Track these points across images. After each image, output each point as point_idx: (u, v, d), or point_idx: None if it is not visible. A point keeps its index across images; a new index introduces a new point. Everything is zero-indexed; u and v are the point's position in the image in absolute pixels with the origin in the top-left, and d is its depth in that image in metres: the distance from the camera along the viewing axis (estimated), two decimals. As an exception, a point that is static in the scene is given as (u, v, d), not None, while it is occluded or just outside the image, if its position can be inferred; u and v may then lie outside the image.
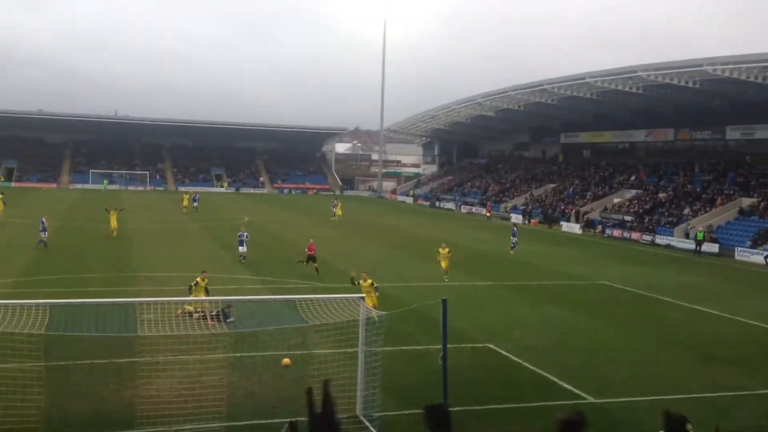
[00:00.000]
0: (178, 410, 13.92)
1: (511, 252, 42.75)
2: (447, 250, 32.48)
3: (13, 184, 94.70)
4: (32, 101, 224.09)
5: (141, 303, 15.53)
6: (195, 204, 65.49)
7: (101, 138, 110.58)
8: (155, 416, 13.46)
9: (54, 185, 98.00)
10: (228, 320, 21.11)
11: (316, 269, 31.67)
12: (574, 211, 67.11)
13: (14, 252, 36.15)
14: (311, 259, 32.48)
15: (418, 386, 16.81)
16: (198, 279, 23.13)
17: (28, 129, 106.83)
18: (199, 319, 20.17)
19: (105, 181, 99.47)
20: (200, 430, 13.14)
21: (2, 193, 57.25)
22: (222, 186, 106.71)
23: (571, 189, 74.15)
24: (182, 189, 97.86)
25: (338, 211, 61.38)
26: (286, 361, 17.31)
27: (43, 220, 39.16)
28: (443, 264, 31.99)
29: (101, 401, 15.05)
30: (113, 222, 42.84)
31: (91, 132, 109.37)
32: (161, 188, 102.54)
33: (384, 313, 15.78)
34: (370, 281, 24.66)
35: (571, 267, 38.65)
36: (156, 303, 15.08)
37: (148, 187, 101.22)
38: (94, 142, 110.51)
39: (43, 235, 38.03)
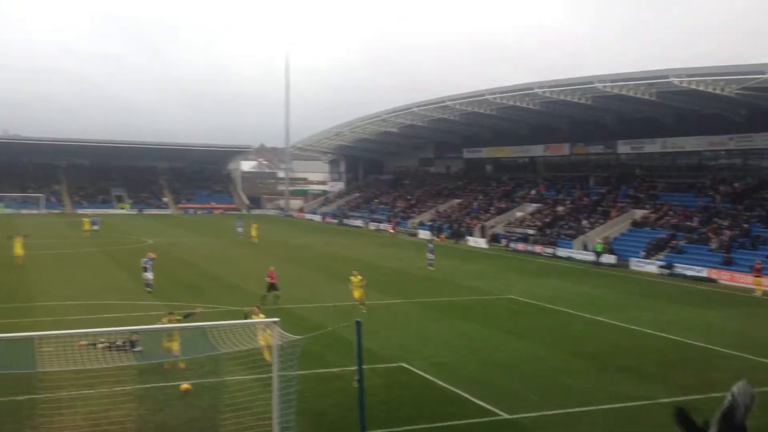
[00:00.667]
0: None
1: (430, 269, 43.35)
2: (360, 278, 29.26)
3: None
4: None
5: (40, 336, 14.84)
6: (95, 227, 63.05)
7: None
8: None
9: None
10: (135, 349, 20.43)
11: (277, 296, 29.80)
12: (479, 225, 68.73)
13: None
14: (272, 287, 30.16)
15: (334, 410, 16.78)
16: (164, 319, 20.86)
17: None
18: (105, 348, 19.42)
19: (1, 205, 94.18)
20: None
21: None
22: (123, 207, 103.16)
23: (475, 204, 75.91)
24: (81, 211, 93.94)
25: (253, 232, 60.31)
26: (185, 386, 16.93)
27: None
28: (356, 294, 29.00)
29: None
30: (18, 249, 40.32)
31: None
32: (57, 211, 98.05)
33: (298, 337, 15.65)
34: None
35: (479, 282, 39.56)
36: (54, 336, 14.45)
37: (43, 210, 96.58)
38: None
39: None
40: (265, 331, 18.72)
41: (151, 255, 33.77)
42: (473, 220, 71.51)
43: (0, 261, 41.59)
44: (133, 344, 20.62)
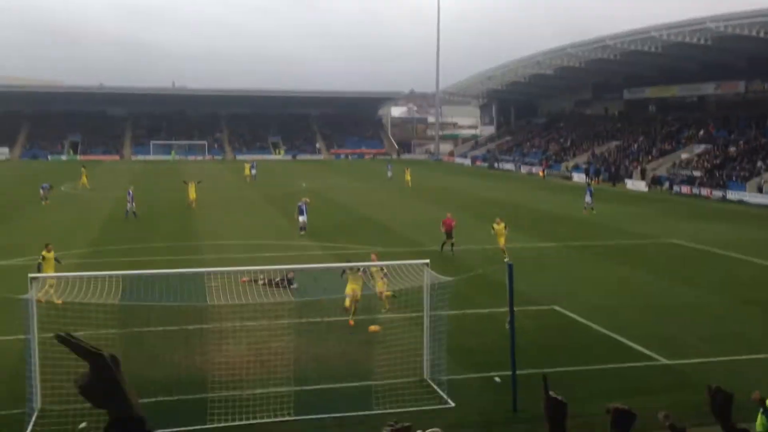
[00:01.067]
0: (248, 375, 14.17)
1: (588, 212, 41.94)
2: (503, 225, 27.90)
3: (78, 158, 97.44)
4: (94, 75, 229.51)
5: (209, 273, 15.78)
6: (253, 172, 66.16)
7: (160, 110, 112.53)
8: (227, 381, 13.72)
9: (117, 157, 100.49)
10: (292, 286, 21.32)
11: (452, 245, 28.50)
12: (639, 168, 65.32)
13: (86, 222, 37.24)
14: (449, 235, 28.57)
15: (484, 349, 16.71)
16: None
17: (90, 103, 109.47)
18: (264, 285, 20.42)
19: (173, 152, 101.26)
20: (270, 394, 13.31)
21: (84, 166, 59.24)
22: (278, 153, 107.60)
23: (635, 146, 72.10)
24: (240, 157, 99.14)
25: (407, 177, 60.56)
26: (374, 327, 17.35)
27: (130, 191, 40.06)
28: (500, 241, 27.76)
29: (175, 367, 15.42)
30: (192, 194, 43.11)
31: (151, 104, 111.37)
32: (219, 157, 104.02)
33: (449, 278, 15.59)
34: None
35: (638, 225, 37.69)
36: (222, 273, 15.31)
37: (207, 157, 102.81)
38: (154, 114, 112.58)
39: (130, 206, 38.91)
40: (382, 279, 19.04)
41: (306, 200, 34.74)
42: (632, 162, 68.02)
43: (174, 203, 44.84)
44: (290, 281, 21.54)
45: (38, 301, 15.95)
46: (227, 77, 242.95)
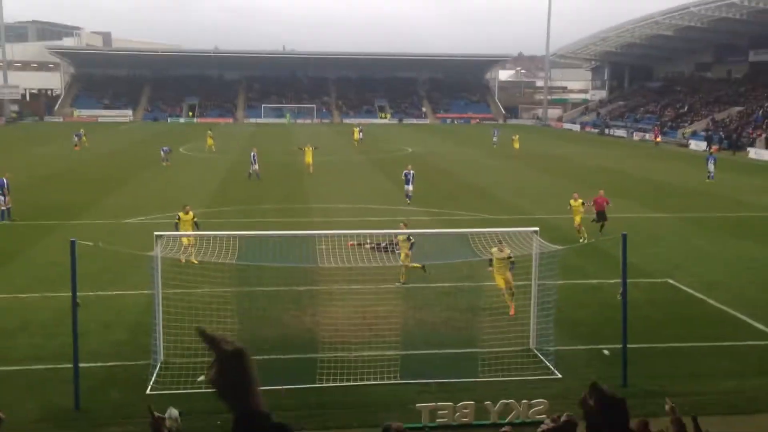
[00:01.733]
0: (356, 337, 14.53)
1: (709, 181, 40.01)
2: (580, 201, 25.52)
3: (195, 120, 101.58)
4: (210, 40, 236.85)
5: (320, 235, 16.17)
6: (360, 136, 66.72)
7: (272, 73, 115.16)
8: (335, 342, 14.13)
9: (231, 120, 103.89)
10: (397, 252, 21.53)
11: (601, 227, 25.46)
12: (764, 136, 61.34)
13: (203, 184, 38.87)
14: (601, 216, 25.55)
15: (592, 321, 16.39)
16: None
17: (206, 67, 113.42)
18: (372, 249, 20.73)
19: (287, 115, 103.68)
20: (377, 357, 13.60)
21: (210, 129, 61.62)
22: (384, 117, 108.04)
23: (760, 112, 67.64)
24: (347, 121, 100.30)
25: (515, 144, 59.46)
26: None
27: (253, 153, 41.27)
28: (576, 219, 25.14)
29: (284, 326, 16.03)
30: (308, 158, 43.71)
31: (263, 68, 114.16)
32: (327, 121, 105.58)
33: (558, 247, 15.28)
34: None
35: (760, 197, 35.55)
36: (334, 236, 15.67)
37: (315, 120, 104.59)
38: (265, 77, 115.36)
39: (253, 168, 40.22)
40: (405, 249, 18.82)
41: (411, 168, 33.98)
42: (756, 130, 63.93)
43: (286, 166, 46.06)
44: (395, 247, 21.76)
45: (179, 261, 16.89)
46: (336, 41, 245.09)
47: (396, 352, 13.76)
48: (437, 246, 19.96)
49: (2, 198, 27.76)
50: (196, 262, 17.50)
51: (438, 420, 11.46)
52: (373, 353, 13.79)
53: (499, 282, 16.50)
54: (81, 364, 12.33)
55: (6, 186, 27.92)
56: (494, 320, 14.85)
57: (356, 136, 65.05)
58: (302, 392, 12.77)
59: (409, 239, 19.04)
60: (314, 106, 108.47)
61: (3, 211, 27.76)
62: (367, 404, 12.56)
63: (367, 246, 21.18)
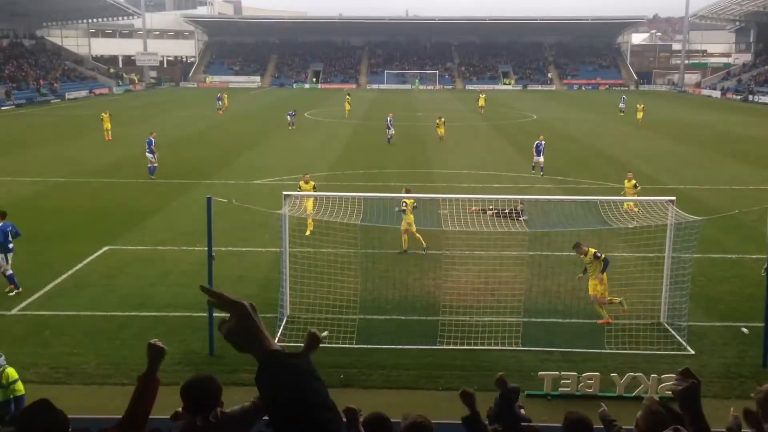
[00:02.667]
0: (477, 302, 14.43)
1: None
2: (633, 182, 22.94)
3: (319, 86, 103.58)
4: (335, 6, 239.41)
5: (443, 199, 16.10)
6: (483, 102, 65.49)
7: (394, 39, 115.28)
8: (456, 306, 14.10)
9: (353, 86, 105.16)
10: (521, 218, 21.16)
11: None
12: None
13: (327, 147, 39.68)
14: None
15: (731, 298, 15.46)
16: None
17: (331, 33, 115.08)
18: (494, 215, 20.47)
19: (416, 81, 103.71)
20: (498, 323, 13.47)
21: (349, 95, 62.86)
22: (508, 83, 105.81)
23: None
24: (470, 87, 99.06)
25: (639, 115, 55.34)
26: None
27: (389, 117, 41.78)
28: (628, 203, 19.27)
29: (406, 288, 16.17)
30: (440, 130, 42.82)
31: (385, 33, 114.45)
32: (450, 87, 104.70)
33: (697, 218, 14.39)
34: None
35: None
36: (457, 200, 15.55)
37: (438, 86, 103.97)
38: (388, 43, 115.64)
39: (390, 132, 40.81)
40: (408, 216, 18.27)
41: (542, 139, 31.56)
42: None
43: (410, 132, 46.21)
44: (519, 213, 21.38)
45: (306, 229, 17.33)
46: (459, 5, 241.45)
47: (518, 318, 13.56)
48: (562, 213, 19.42)
49: (151, 155, 29.78)
50: (308, 232, 18.06)
51: (561, 389, 11.22)
52: (494, 319, 13.66)
53: (592, 288, 14.39)
54: (215, 314, 12.96)
55: (153, 144, 29.92)
56: (622, 292, 14.30)
57: (481, 102, 63.54)
58: (422, 353, 12.87)
59: (415, 206, 18.81)
60: (437, 72, 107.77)
61: (151, 167, 29.77)
62: (487, 369, 12.46)
63: (490, 212, 20.94)
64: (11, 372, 9.51)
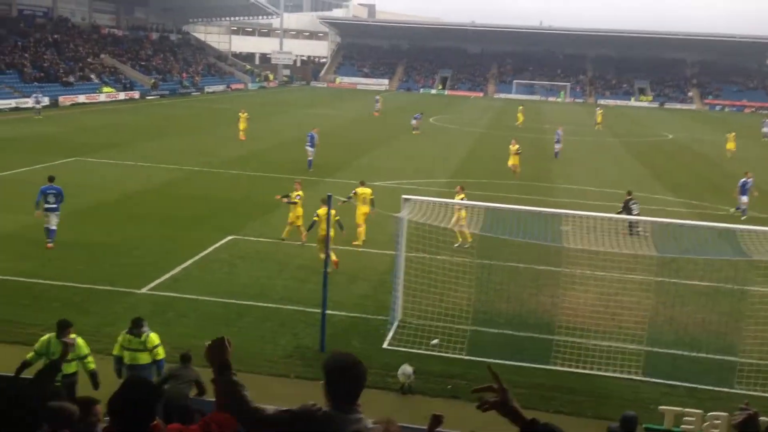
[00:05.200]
0: (597, 325, 13.81)
1: None
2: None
3: (445, 92, 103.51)
4: (466, 13, 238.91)
5: (566, 215, 15.55)
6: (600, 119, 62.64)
7: (526, 49, 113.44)
8: (573, 327, 13.55)
9: (480, 94, 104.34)
10: (639, 230, 20.02)
11: None
12: None
13: (447, 154, 39.48)
14: None
15: None
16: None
17: (462, 40, 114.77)
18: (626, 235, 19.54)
19: (561, 93, 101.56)
20: (618, 349, 12.82)
21: (522, 105, 62.85)
22: (645, 100, 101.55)
23: None
24: (602, 102, 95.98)
25: (729, 145, 49.47)
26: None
27: (559, 131, 40.96)
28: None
29: (521, 303, 15.72)
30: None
31: (517, 43, 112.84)
32: (580, 100, 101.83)
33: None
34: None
35: None
36: (578, 216, 14.96)
37: (568, 99, 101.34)
38: (520, 53, 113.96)
39: (558, 147, 39.89)
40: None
41: (750, 176, 27.05)
42: None
43: (535, 145, 45.25)
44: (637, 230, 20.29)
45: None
46: (595, 17, 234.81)
47: (640, 347, 12.85)
48: (692, 240, 18.30)
49: (311, 149, 31.58)
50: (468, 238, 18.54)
51: (683, 426, 10.49)
52: (614, 344, 13.02)
53: None
54: (328, 311, 13.09)
55: (315, 139, 31.85)
56: (759, 329, 13.25)
57: (599, 118, 60.33)
58: (534, 372, 12.45)
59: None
60: (568, 84, 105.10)
61: (309, 161, 31.66)
62: (603, 395, 11.91)
63: (622, 233, 19.98)
64: (154, 337, 10.47)
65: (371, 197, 21.08)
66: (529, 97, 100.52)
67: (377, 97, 64.47)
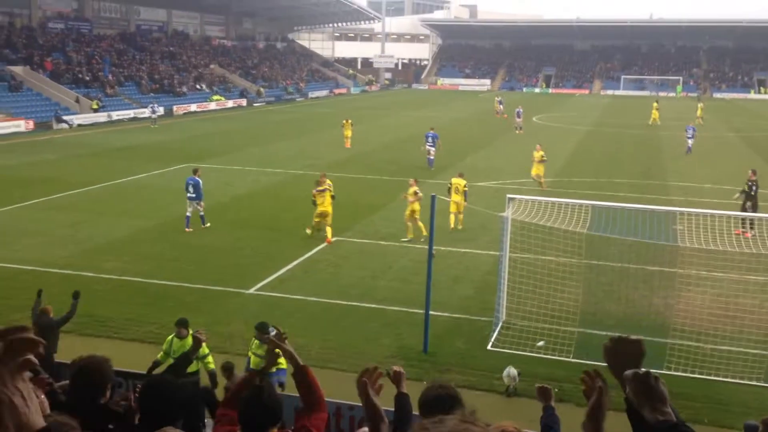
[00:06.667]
0: (715, 329, 13.09)
1: None
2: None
3: (549, 90, 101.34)
4: (569, 9, 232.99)
5: (681, 212, 14.85)
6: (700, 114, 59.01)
7: (634, 43, 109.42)
8: (689, 330, 12.90)
9: (586, 91, 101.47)
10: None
11: None
12: None
13: (551, 153, 38.51)
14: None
15: None
16: None
17: (567, 37, 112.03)
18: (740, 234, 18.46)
19: (678, 87, 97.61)
20: (737, 354, 12.10)
21: (657, 101, 60.29)
22: (765, 92, 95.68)
23: None
24: (718, 95, 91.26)
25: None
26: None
27: (690, 128, 39.99)
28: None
29: (632, 305, 15.12)
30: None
31: (625, 37, 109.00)
32: (693, 94, 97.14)
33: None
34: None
35: None
36: (697, 214, 14.24)
37: (681, 94, 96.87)
38: (627, 47, 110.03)
39: (690, 143, 38.84)
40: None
41: None
42: None
43: (644, 143, 43.57)
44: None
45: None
46: (709, 7, 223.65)
47: (763, 351, 12.07)
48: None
49: (432, 148, 32.61)
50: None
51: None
52: (733, 348, 12.30)
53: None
54: (431, 312, 13.05)
55: (437, 138, 32.81)
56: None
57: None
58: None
59: (416, 194, 19.77)
60: (680, 78, 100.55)
61: (430, 159, 32.62)
62: (722, 402, 11.27)
63: (749, 234, 18.90)
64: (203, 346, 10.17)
65: (464, 189, 21.53)
66: (638, 93, 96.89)
67: (499, 99, 63.06)
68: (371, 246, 19.91)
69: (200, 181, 20.95)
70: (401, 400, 4.35)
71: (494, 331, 13.59)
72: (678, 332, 12.77)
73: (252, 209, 24.39)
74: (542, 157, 27.98)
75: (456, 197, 21.09)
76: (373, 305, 15.20)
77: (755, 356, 11.94)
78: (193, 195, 20.69)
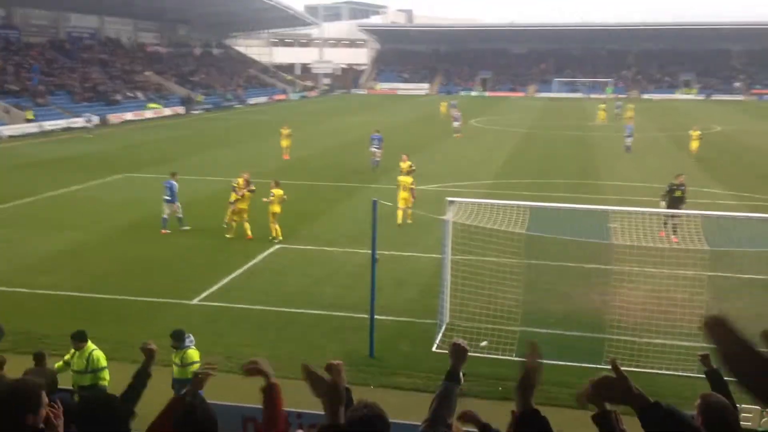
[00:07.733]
0: (649, 323, 13.58)
1: None
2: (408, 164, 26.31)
3: (486, 94, 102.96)
4: (502, 14, 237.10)
5: (614, 211, 15.35)
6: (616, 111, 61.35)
7: (566, 47, 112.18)
8: (624, 326, 13.35)
9: (522, 94, 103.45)
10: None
11: None
12: None
13: (490, 155, 39.31)
14: None
15: None
16: None
17: (500, 41, 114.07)
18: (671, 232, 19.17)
19: (608, 89, 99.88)
20: (671, 347, 12.59)
21: (605, 103, 62.04)
22: (689, 93, 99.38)
23: None
24: (646, 96, 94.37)
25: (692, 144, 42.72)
26: None
27: (628, 126, 41.61)
28: None
29: (571, 302, 15.56)
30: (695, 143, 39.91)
31: (558, 41, 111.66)
32: (623, 96, 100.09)
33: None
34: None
35: None
36: (630, 213, 14.75)
37: (611, 95, 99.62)
38: (561, 51, 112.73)
39: (628, 141, 40.08)
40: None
41: None
42: None
43: (578, 142, 44.73)
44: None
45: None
46: (637, 10, 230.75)
47: (695, 343, 12.58)
48: (747, 233, 17.84)
49: (378, 150, 33.50)
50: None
51: (742, 424, 10.25)
52: (667, 342, 12.79)
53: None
54: (376, 316, 13.17)
55: (381, 141, 34.03)
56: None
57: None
58: (586, 371, 12.26)
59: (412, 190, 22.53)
60: (611, 80, 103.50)
61: (375, 161, 33.35)
62: (657, 394, 11.47)
63: (676, 239, 19.59)
64: (192, 354, 10.19)
65: (411, 186, 23.36)
66: (571, 95, 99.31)
67: (453, 102, 62.64)
68: (315, 252, 19.94)
69: (176, 185, 21.85)
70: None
71: (438, 333, 13.79)
72: (615, 328, 13.20)
73: (193, 218, 24.06)
74: (410, 167, 25.57)
75: (404, 194, 22.67)
76: (319, 311, 15.23)
77: (688, 348, 12.43)
78: (169, 198, 21.56)
